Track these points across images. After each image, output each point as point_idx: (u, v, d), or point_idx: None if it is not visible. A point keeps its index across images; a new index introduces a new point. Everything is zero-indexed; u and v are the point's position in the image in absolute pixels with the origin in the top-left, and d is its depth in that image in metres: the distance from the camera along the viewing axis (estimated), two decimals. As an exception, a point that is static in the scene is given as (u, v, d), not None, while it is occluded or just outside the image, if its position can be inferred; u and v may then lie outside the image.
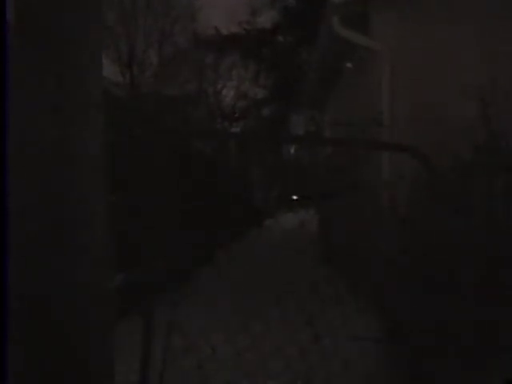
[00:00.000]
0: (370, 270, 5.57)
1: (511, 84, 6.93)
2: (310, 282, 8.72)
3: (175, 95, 25.93)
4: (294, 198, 36.89)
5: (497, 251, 3.49)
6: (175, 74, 30.23)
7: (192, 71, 31.42)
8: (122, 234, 6.44)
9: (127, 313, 5.85)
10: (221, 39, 20.77)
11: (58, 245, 1.85)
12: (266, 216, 24.97)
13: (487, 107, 4.20)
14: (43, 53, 1.82)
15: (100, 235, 1.96)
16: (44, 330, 1.85)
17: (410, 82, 7.36)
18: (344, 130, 9.72)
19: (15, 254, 1.84)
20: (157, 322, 3.10)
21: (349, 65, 9.15)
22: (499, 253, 3.47)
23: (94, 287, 1.93)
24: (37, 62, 1.82)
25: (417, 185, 4.32)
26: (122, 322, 5.50)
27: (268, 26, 20.43)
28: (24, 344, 1.84)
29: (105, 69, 2.24)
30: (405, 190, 4.55)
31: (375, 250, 5.19)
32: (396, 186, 4.84)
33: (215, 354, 5.25)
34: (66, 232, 1.86)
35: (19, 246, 1.84)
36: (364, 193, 7.56)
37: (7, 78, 1.83)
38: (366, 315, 6.30)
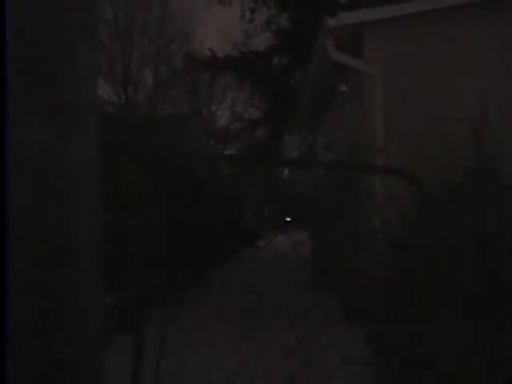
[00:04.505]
0: (360, 293, 5.55)
1: (502, 107, 7.00)
2: (299, 306, 8.69)
3: (169, 115, 26.00)
4: (288, 219, 36.87)
5: (489, 274, 3.49)
6: (170, 95, 30.36)
7: (187, 92, 31.58)
8: (115, 252, 6.41)
9: (118, 332, 5.81)
10: (215, 60, 20.86)
11: (49, 256, 1.85)
12: (258, 237, 24.95)
13: (479, 130, 4.23)
14: (38, 67, 1.84)
15: (92, 248, 1.96)
16: (38, 340, 1.85)
17: (402, 105, 7.41)
18: (337, 152, 9.74)
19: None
20: (147, 342, 3.08)
21: (343, 88, 9.20)
22: (492, 275, 3.47)
23: (85, 300, 1.93)
24: (31, 76, 1.83)
25: (408, 208, 4.33)
26: (113, 342, 5.46)
27: (262, 48, 20.56)
28: (21, 354, 1.84)
29: (99, 88, 2.25)
30: (397, 213, 4.55)
31: (366, 273, 5.18)
32: (388, 209, 4.84)
33: (204, 375, 5.21)
34: (57, 244, 1.86)
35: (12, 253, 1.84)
36: (356, 215, 7.56)
37: (7, 86, 1.84)
38: (357, 340, 6.27)
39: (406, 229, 4.38)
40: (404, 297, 3.74)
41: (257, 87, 20.80)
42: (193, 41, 32.25)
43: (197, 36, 40.76)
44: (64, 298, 1.88)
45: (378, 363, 4.22)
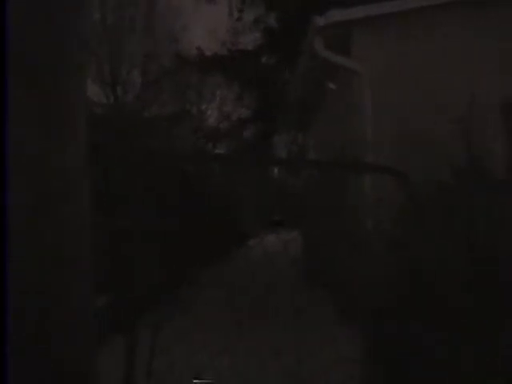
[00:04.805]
0: (351, 294, 5.57)
1: (492, 105, 7.04)
2: (290, 305, 8.70)
3: (159, 115, 25.89)
4: (278, 219, 36.79)
5: (479, 274, 3.51)
6: (159, 95, 30.24)
7: (175, 92, 31.45)
8: (107, 254, 6.39)
9: (110, 334, 5.80)
10: (204, 60, 20.83)
11: (40, 258, 1.86)
12: (248, 237, 24.91)
13: (468, 130, 4.24)
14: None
15: (83, 251, 1.97)
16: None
17: (391, 103, 7.43)
18: (326, 151, 9.77)
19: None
20: (140, 343, 3.09)
21: (332, 86, 9.22)
22: (482, 275, 3.49)
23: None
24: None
25: (399, 207, 4.34)
26: (105, 344, 5.45)
27: (251, 47, 20.55)
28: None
29: (88, 89, 2.26)
30: (388, 213, 4.57)
31: (357, 274, 5.20)
32: (379, 209, 4.86)
33: (197, 376, 5.21)
34: (57, 244, 1.87)
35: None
36: (347, 215, 7.57)
37: (7, 86, 1.85)
38: (349, 339, 6.29)
39: (396, 228, 4.40)
40: (397, 296, 3.76)
41: (245, 86, 20.79)
42: (181, 40, 32.05)
43: (185, 35, 40.60)
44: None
45: (370, 363, 4.24)
